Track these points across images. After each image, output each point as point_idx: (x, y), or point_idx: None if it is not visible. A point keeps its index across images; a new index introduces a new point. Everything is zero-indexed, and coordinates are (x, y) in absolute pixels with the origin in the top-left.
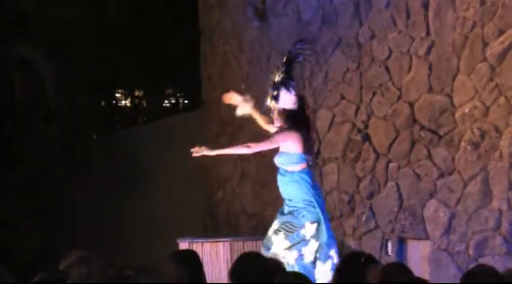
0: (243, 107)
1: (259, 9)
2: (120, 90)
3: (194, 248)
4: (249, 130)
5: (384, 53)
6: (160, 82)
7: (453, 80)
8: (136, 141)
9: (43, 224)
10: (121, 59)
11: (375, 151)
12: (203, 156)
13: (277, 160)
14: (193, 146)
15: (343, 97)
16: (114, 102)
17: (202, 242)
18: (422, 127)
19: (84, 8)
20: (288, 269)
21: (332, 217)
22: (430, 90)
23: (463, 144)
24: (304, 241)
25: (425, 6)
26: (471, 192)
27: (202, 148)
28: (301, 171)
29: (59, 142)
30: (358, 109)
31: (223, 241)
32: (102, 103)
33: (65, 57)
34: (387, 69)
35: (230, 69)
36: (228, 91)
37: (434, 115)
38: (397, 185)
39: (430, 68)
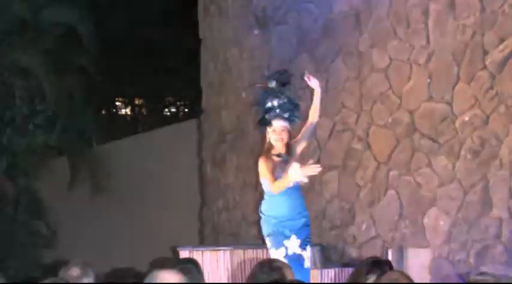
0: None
1: (259, 18)
2: (120, 99)
3: (194, 257)
4: (249, 139)
5: (384, 61)
6: (160, 91)
7: (453, 88)
8: (136, 150)
9: (41, 233)
10: (121, 67)
11: (375, 159)
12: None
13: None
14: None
15: (343, 106)
16: (114, 110)
17: (202, 251)
18: (422, 136)
19: (84, 16)
20: None
21: (332, 226)
22: (430, 98)
23: (463, 152)
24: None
25: (425, 14)
26: (471, 200)
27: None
28: None
29: (58, 151)
30: (358, 117)
31: (224, 250)
32: (102, 111)
33: (65, 65)
34: (387, 78)
35: (231, 77)
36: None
37: (435, 123)
38: (398, 193)
39: (430, 76)
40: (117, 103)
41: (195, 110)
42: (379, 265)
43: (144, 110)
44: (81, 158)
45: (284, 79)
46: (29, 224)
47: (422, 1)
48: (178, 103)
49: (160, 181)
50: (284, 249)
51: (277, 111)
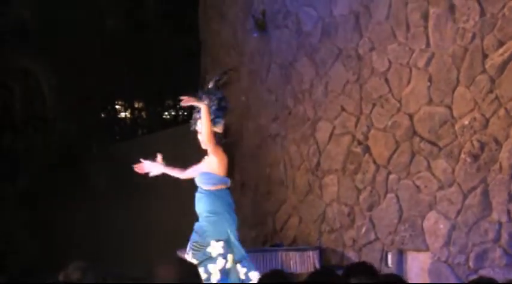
0: (156, 168)
1: (259, 21)
2: (120, 102)
3: None
4: (248, 142)
5: (383, 64)
6: (160, 94)
7: (453, 92)
8: (136, 153)
9: (41, 234)
10: (121, 70)
11: (374, 162)
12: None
13: (200, 180)
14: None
15: (343, 109)
16: (114, 113)
17: None
18: (422, 139)
19: (84, 18)
20: None
21: (332, 229)
22: (430, 101)
23: (462, 155)
24: (210, 259)
25: (425, 18)
26: (471, 203)
27: (189, 97)
28: (216, 190)
29: (58, 154)
30: (358, 121)
31: None
32: (102, 114)
33: (65, 68)
34: (387, 81)
35: (230, 80)
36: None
37: (434, 127)
38: (397, 197)
39: (429, 80)
40: (117, 106)
41: None
42: (360, 269)
43: (143, 113)
44: (81, 161)
45: (220, 81)
46: (30, 225)
47: (422, 4)
48: (178, 106)
49: (160, 184)
50: None
51: None
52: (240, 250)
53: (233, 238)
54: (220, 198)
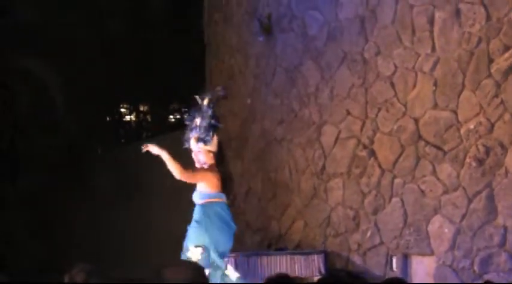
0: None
1: (264, 24)
2: (125, 105)
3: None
4: (253, 146)
5: (389, 68)
6: (165, 97)
7: (458, 96)
8: (141, 156)
9: (43, 236)
10: (126, 73)
11: (380, 166)
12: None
13: (194, 197)
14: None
15: (348, 113)
16: (119, 116)
17: None
18: (427, 143)
19: (89, 21)
20: None
21: (336, 233)
22: (435, 106)
23: (468, 160)
24: None
25: (431, 22)
26: (476, 208)
27: (152, 145)
28: (207, 203)
29: (62, 156)
30: (363, 124)
31: (228, 257)
32: (107, 117)
33: (70, 71)
34: (392, 85)
35: (235, 83)
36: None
37: (440, 131)
38: (402, 201)
39: (435, 84)
40: (122, 109)
41: None
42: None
43: (148, 117)
44: (86, 162)
45: (213, 99)
46: (30, 226)
47: (428, 9)
48: (183, 109)
49: (165, 188)
50: None
51: (197, 130)
52: (220, 259)
53: (208, 244)
54: (210, 209)
